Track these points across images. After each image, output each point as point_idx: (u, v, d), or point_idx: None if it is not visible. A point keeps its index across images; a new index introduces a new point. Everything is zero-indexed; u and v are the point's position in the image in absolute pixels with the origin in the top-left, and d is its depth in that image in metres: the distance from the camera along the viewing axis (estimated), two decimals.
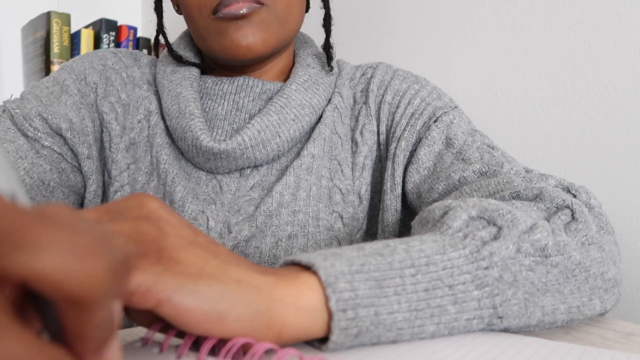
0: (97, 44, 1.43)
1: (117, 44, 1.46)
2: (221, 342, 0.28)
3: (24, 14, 1.49)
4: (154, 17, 1.66)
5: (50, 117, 0.56)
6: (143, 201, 0.29)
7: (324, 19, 0.65)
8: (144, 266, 0.25)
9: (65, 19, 1.39)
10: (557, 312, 0.37)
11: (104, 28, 1.42)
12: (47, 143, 0.56)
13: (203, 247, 0.29)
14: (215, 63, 0.63)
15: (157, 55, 0.67)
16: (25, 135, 0.55)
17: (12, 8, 1.49)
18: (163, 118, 0.62)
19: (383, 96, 0.63)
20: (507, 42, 0.87)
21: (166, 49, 0.67)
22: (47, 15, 1.36)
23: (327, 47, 0.64)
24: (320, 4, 0.66)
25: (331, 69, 0.64)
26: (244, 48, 0.55)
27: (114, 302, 0.18)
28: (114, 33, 1.44)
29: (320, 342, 0.31)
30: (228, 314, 0.27)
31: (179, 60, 0.62)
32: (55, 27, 1.36)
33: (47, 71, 1.37)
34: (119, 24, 1.46)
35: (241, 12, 0.53)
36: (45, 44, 1.37)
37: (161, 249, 0.27)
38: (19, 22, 1.51)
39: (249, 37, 0.55)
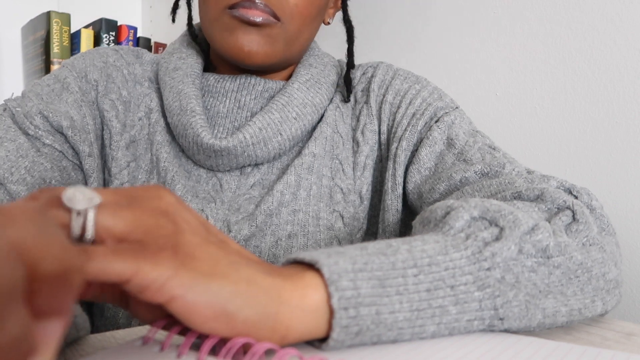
0: (97, 43, 1.43)
1: (117, 44, 1.46)
2: (222, 342, 0.28)
3: (24, 14, 1.49)
4: (154, 17, 1.67)
5: (51, 115, 0.56)
6: (161, 193, 0.29)
7: (348, 53, 0.65)
8: (159, 261, 0.25)
9: (65, 18, 1.39)
10: (558, 314, 0.37)
11: (104, 28, 1.42)
12: (48, 141, 0.56)
13: (216, 245, 0.29)
14: (219, 58, 0.64)
15: (173, 21, 0.67)
16: (26, 134, 0.55)
17: (12, 8, 1.49)
18: (163, 115, 0.62)
19: (384, 96, 0.63)
20: (507, 42, 0.87)
21: (166, 48, 0.67)
22: (47, 15, 1.36)
23: (348, 79, 0.64)
24: (343, 35, 0.67)
25: (349, 100, 0.64)
26: (245, 53, 0.55)
27: (24, 323, 0.17)
28: (114, 33, 1.44)
29: (321, 341, 0.31)
30: (237, 315, 0.27)
31: (194, 38, 0.63)
32: (55, 27, 1.36)
33: (47, 71, 1.37)
34: (119, 23, 1.46)
35: (256, 19, 0.53)
36: (45, 44, 1.37)
37: (177, 245, 0.27)
38: (19, 22, 1.50)
39: (254, 46, 0.55)
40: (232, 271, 0.28)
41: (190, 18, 0.65)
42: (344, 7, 0.67)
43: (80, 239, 0.25)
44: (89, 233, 0.25)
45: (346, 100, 0.64)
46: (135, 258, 0.25)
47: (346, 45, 0.66)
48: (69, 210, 0.25)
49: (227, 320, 0.27)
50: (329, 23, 0.67)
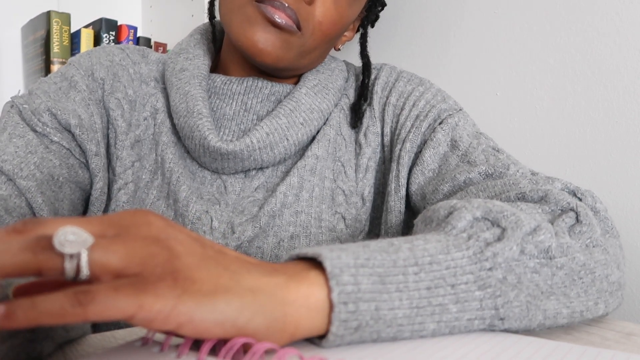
0: (97, 43, 1.43)
1: (117, 44, 1.45)
2: (221, 342, 0.28)
3: (24, 13, 1.49)
4: (154, 17, 1.66)
5: (59, 112, 0.56)
6: (150, 219, 0.28)
7: (362, 85, 0.65)
8: (160, 291, 0.25)
9: (65, 18, 1.39)
10: (559, 316, 0.37)
11: (104, 28, 1.42)
12: (56, 138, 0.56)
13: (214, 260, 0.29)
14: (229, 57, 0.64)
15: (210, 19, 0.68)
16: (34, 130, 0.55)
17: (12, 8, 1.49)
18: (169, 116, 0.62)
19: (387, 98, 0.63)
20: (507, 42, 0.87)
21: (173, 48, 0.66)
22: (47, 15, 1.36)
23: (359, 109, 0.64)
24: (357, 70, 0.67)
25: (356, 126, 0.64)
26: (258, 49, 0.55)
27: None
28: (114, 33, 1.44)
29: (322, 337, 0.31)
30: (247, 326, 0.27)
31: (211, 18, 0.65)
32: (55, 27, 1.36)
33: (47, 71, 1.37)
34: (119, 23, 1.46)
35: (277, 20, 0.53)
36: (45, 44, 1.37)
37: (176, 271, 0.26)
38: (19, 22, 1.50)
39: (269, 45, 0.55)
40: (235, 283, 0.28)
41: (212, 9, 0.66)
42: (363, 43, 0.67)
43: (74, 278, 0.25)
44: (84, 273, 0.25)
45: (353, 126, 0.64)
46: (136, 293, 0.24)
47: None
48: (60, 253, 0.24)
49: (238, 332, 0.27)
50: (339, 49, 0.68)
